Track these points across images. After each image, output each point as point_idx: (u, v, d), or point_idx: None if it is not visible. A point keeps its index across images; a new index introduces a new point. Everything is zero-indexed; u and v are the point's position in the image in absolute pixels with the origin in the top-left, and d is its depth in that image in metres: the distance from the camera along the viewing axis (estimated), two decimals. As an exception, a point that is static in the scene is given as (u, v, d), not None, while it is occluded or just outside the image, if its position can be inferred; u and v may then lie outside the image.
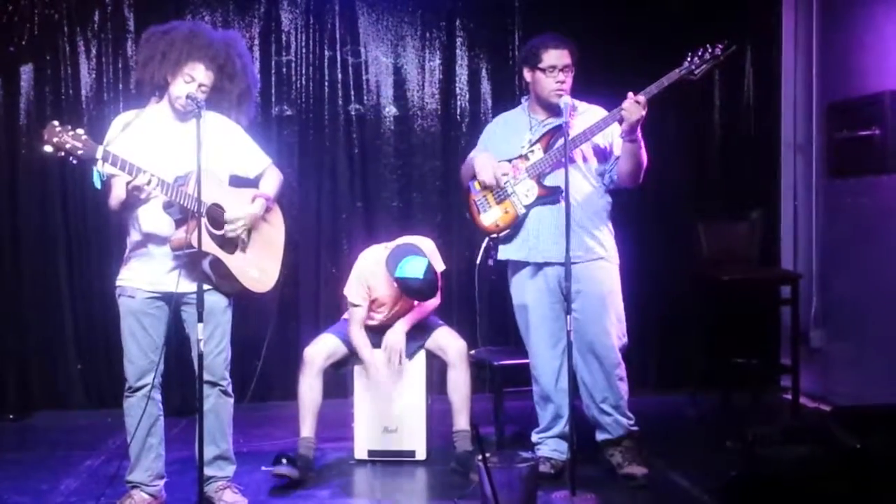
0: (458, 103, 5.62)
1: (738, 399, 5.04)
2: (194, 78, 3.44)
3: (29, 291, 5.30)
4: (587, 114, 3.84)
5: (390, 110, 5.59)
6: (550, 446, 3.96)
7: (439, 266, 4.24)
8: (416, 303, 4.24)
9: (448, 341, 4.20)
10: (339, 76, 5.52)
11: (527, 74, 3.91)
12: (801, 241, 5.54)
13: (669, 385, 5.49)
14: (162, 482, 3.63)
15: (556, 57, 3.80)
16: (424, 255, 4.03)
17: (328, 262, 5.49)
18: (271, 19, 5.45)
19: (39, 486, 3.98)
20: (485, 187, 3.90)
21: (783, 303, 5.29)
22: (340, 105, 5.53)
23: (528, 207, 3.84)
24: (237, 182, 3.70)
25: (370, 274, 4.13)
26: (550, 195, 3.81)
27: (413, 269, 3.95)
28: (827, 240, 5.32)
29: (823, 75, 5.32)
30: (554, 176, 3.80)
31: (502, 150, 3.93)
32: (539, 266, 3.87)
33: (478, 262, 3.91)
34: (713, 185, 5.69)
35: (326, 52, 5.51)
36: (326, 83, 5.51)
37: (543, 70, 3.80)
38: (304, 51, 5.50)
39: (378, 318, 4.22)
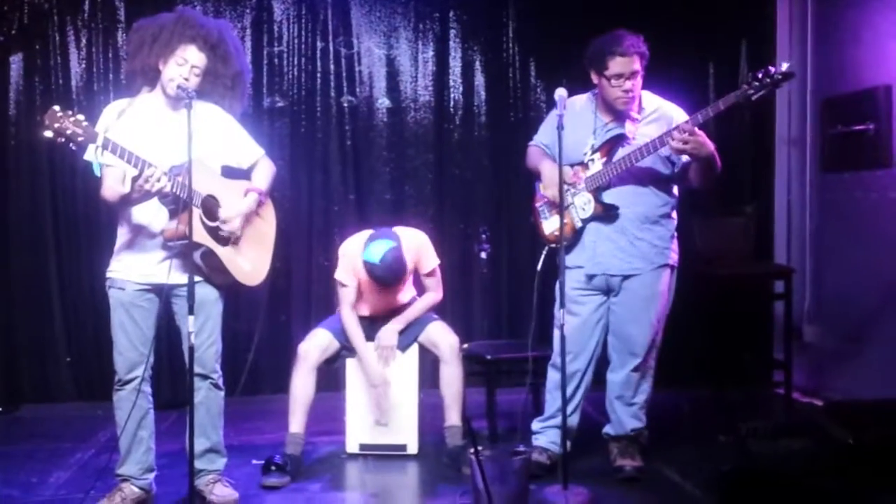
0: (452, 95, 5.59)
1: (730, 394, 5.03)
2: (187, 60, 3.40)
3: (18, 283, 5.27)
4: (656, 114, 3.72)
5: (383, 102, 5.56)
6: (549, 437, 3.94)
7: (431, 261, 4.22)
8: (403, 294, 4.23)
9: (441, 336, 4.18)
10: (332, 67, 5.49)
11: (593, 77, 3.73)
12: (794, 236, 5.54)
13: (662, 379, 5.43)
14: (152, 475, 3.61)
15: (622, 64, 3.61)
16: (396, 239, 3.99)
17: (320, 255, 5.46)
18: (263, 10, 5.42)
19: (29, 478, 3.96)
20: (546, 198, 3.85)
21: (776, 297, 5.28)
22: (333, 97, 5.50)
23: (585, 222, 3.76)
24: (230, 173, 3.67)
25: (355, 256, 4.11)
26: (607, 213, 3.72)
27: (374, 252, 3.93)
28: (821, 235, 5.32)
29: (818, 70, 5.31)
30: (612, 193, 3.72)
31: (566, 145, 3.69)
32: (592, 276, 3.81)
33: (538, 267, 3.75)
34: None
35: (319, 44, 5.47)
36: (319, 74, 5.48)
37: (608, 78, 3.64)
38: (296, 42, 5.46)
39: (368, 306, 4.20)
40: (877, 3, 4.79)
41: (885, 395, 4.27)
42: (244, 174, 3.71)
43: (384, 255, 3.92)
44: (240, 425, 4.57)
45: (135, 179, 3.24)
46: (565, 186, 3.71)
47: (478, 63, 5.60)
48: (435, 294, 4.27)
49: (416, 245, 4.15)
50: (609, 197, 3.74)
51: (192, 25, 3.43)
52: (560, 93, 3.61)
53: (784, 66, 3.51)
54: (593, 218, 3.76)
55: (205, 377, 3.56)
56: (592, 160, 3.75)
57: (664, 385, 5.29)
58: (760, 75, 3.51)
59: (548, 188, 3.82)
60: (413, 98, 5.58)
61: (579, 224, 3.79)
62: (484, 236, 4.65)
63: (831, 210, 5.21)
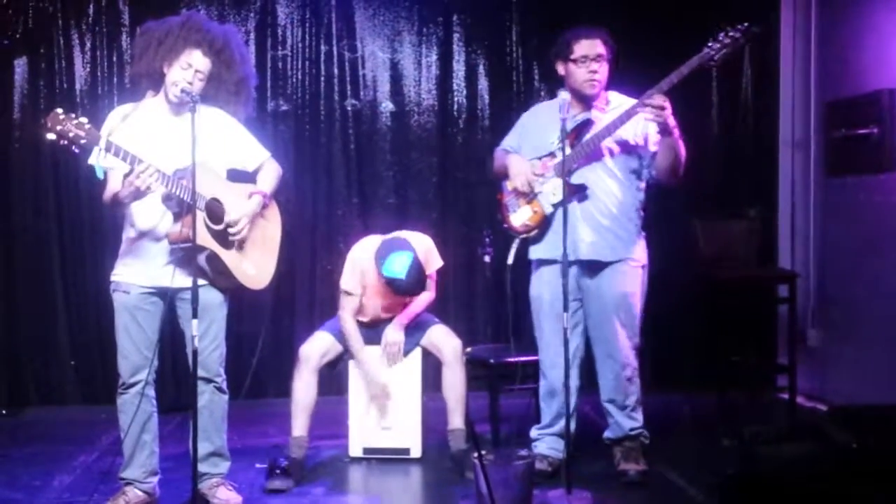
0: (455, 99, 5.60)
1: (734, 398, 5.02)
2: (191, 64, 3.40)
3: (22, 287, 5.28)
4: (621, 108, 3.78)
5: (387, 106, 5.57)
6: (548, 444, 3.94)
7: (435, 264, 4.22)
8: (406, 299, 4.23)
9: (444, 340, 4.18)
10: (336, 71, 5.50)
11: (560, 68, 3.84)
12: (798, 239, 5.53)
13: (666, 383, 5.46)
14: (156, 479, 3.61)
15: (587, 47, 3.74)
16: (411, 249, 3.99)
17: (323, 259, 5.47)
18: (267, 13, 5.43)
19: (32, 481, 3.96)
20: (515, 189, 3.87)
21: (780, 301, 5.28)
22: (337, 100, 5.51)
23: (556, 206, 3.78)
24: (235, 176, 3.68)
25: (363, 263, 4.11)
26: (576, 193, 3.75)
27: (397, 267, 3.92)
28: (825, 239, 5.31)
29: (822, 74, 5.30)
30: (580, 173, 3.76)
31: (534, 144, 3.87)
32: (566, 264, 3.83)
33: (509, 262, 3.84)
34: (711, 184, 5.67)
35: (323, 47, 5.48)
36: (322, 78, 5.49)
37: (575, 61, 3.75)
38: (300, 45, 5.47)
39: (370, 311, 4.20)
40: (881, 7, 4.78)
41: (889, 400, 4.26)
42: (250, 177, 3.72)
43: (409, 270, 3.92)
44: (243, 429, 4.57)
45: (126, 176, 3.23)
46: (534, 177, 3.79)
47: (481, 67, 5.61)
48: (431, 293, 4.28)
49: (425, 249, 4.16)
50: (577, 179, 3.77)
51: (197, 30, 3.44)
52: (563, 96, 3.62)
53: (745, 24, 3.60)
54: (564, 201, 3.76)
55: (208, 381, 3.56)
56: (560, 148, 3.78)
57: (667, 389, 5.33)
58: (721, 35, 3.60)
59: (515, 178, 3.83)
60: (417, 102, 5.58)
61: (549, 209, 3.81)
62: (487, 240, 4.64)
63: (835, 214, 5.21)
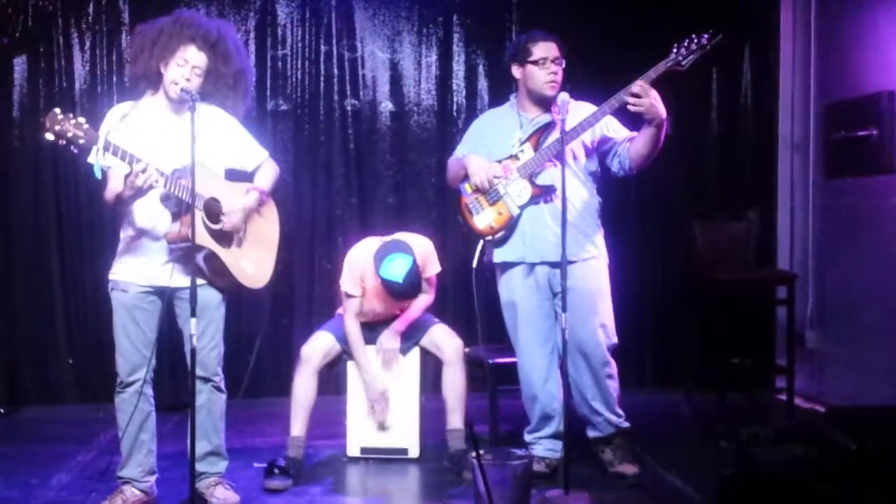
0: (455, 99, 5.60)
1: (732, 399, 5.03)
2: (187, 60, 3.40)
3: (21, 285, 5.28)
4: (578, 111, 3.80)
5: (386, 106, 5.57)
6: (545, 446, 3.94)
7: (434, 268, 4.21)
8: (406, 301, 4.23)
9: (444, 339, 4.18)
10: (335, 71, 5.50)
11: (516, 71, 3.88)
12: (797, 241, 5.54)
13: (664, 384, 5.48)
14: (153, 478, 3.61)
15: (545, 49, 3.79)
16: (411, 252, 3.98)
17: (322, 258, 5.47)
18: (267, 13, 5.43)
19: (30, 480, 3.96)
20: (476, 190, 3.87)
21: (779, 303, 5.28)
22: (336, 100, 5.51)
23: (522, 208, 3.81)
24: (234, 176, 3.67)
25: (362, 265, 4.11)
26: (544, 194, 3.79)
27: (395, 270, 3.91)
28: (823, 240, 5.31)
29: (821, 76, 5.31)
30: (547, 174, 3.79)
31: (490, 150, 3.89)
32: (531, 265, 3.85)
33: (473, 265, 3.86)
34: (710, 185, 5.68)
35: (322, 47, 5.48)
36: (322, 78, 5.49)
37: (535, 62, 3.78)
38: (299, 45, 5.47)
39: (368, 313, 4.20)
40: (880, 9, 4.79)
41: (888, 401, 4.27)
42: (249, 178, 3.72)
43: (407, 275, 3.91)
44: (241, 428, 4.56)
45: (127, 176, 3.23)
46: (496, 179, 3.80)
47: (481, 67, 5.61)
48: (429, 296, 4.28)
49: (425, 253, 4.15)
50: (543, 180, 3.79)
51: (190, 25, 3.44)
52: (562, 97, 3.62)
53: (711, 31, 3.65)
54: (531, 201, 3.78)
55: (206, 380, 3.56)
56: (522, 150, 3.81)
57: (666, 389, 5.34)
58: (687, 42, 3.65)
59: (474, 175, 3.83)
60: (416, 102, 5.58)
61: (516, 211, 3.81)
62: (486, 245, 4.64)
63: (834, 215, 5.21)
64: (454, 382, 4.12)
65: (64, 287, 5.29)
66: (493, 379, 4.36)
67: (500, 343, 4.83)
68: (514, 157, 3.83)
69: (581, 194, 3.84)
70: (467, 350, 4.33)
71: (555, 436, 3.89)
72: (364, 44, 5.53)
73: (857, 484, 3.07)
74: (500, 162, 3.84)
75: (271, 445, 4.33)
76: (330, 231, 5.50)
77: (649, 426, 4.01)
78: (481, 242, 3.89)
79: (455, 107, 5.60)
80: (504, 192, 3.82)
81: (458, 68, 5.59)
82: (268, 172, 3.74)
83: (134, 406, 3.46)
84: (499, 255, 3.91)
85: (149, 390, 3.54)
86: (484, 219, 3.87)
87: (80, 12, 5.26)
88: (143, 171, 3.18)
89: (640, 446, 3.98)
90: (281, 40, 5.46)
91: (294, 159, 5.42)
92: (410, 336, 4.20)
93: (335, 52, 5.49)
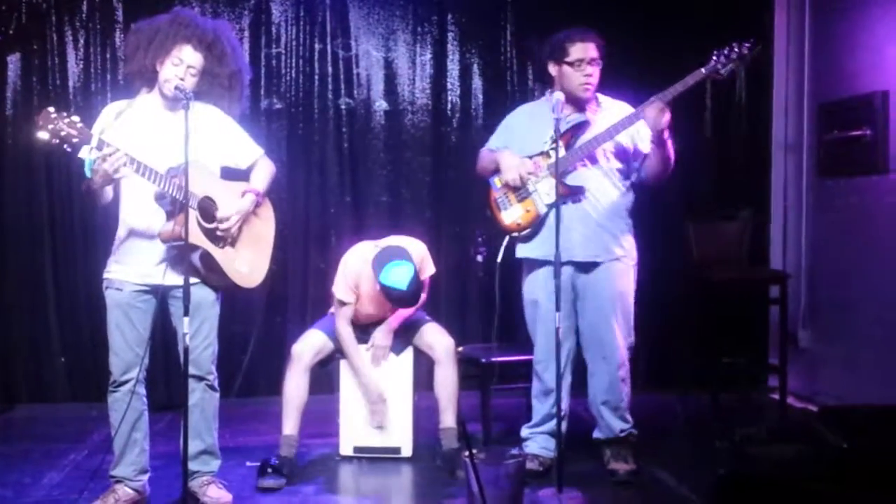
0: (449, 98, 5.60)
1: (726, 398, 5.04)
2: (182, 60, 3.40)
3: (13, 283, 5.26)
4: (611, 110, 3.79)
5: (380, 105, 5.56)
6: (539, 443, 3.94)
7: (429, 270, 4.21)
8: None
9: (436, 338, 4.18)
10: (330, 69, 5.49)
11: (552, 69, 3.84)
12: (790, 241, 5.55)
13: (658, 384, 5.48)
14: (146, 477, 3.60)
15: (582, 50, 3.75)
16: (411, 260, 3.95)
17: (316, 257, 5.46)
18: (261, 11, 5.42)
19: (22, 479, 3.95)
20: (506, 185, 3.86)
21: (772, 302, 5.29)
22: (330, 99, 5.50)
23: (550, 207, 3.77)
24: (229, 173, 3.67)
25: (357, 271, 4.10)
26: (572, 194, 3.76)
27: (398, 277, 3.89)
28: (816, 240, 5.32)
29: (815, 76, 5.32)
30: (576, 175, 3.77)
31: (524, 145, 3.87)
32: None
33: (499, 259, 3.85)
34: (704, 185, 5.68)
35: (317, 45, 5.48)
36: (316, 76, 5.48)
37: (571, 64, 3.75)
38: (294, 43, 5.46)
39: (362, 318, 4.19)
40: (874, 10, 4.80)
41: (880, 401, 4.27)
42: (244, 175, 3.71)
43: (410, 283, 3.89)
44: (234, 427, 4.57)
45: (95, 160, 3.19)
46: (526, 176, 3.77)
47: (475, 66, 5.61)
48: (423, 295, 4.27)
49: (420, 257, 4.13)
50: (573, 180, 3.78)
51: (186, 25, 3.43)
52: (557, 97, 3.64)
53: (752, 41, 3.63)
54: (559, 201, 3.77)
55: (200, 379, 3.56)
56: (553, 148, 3.78)
57: (659, 389, 5.34)
58: (727, 51, 3.62)
59: (506, 172, 3.83)
60: (410, 101, 5.58)
61: (544, 210, 3.80)
62: (480, 240, 4.64)
63: (827, 215, 5.22)
64: (446, 381, 4.12)
65: (57, 285, 5.27)
66: (486, 377, 4.36)
67: (514, 341, 4.83)
68: (546, 154, 3.80)
69: (611, 195, 3.82)
70: (460, 349, 4.34)
71: (551, 433, 3.89)
72: (358, 42, 5.53)
73: (850, 483, 3.08)
74: (531, 158, 3.83)
75: (264, 444, 4.32)
76: (324, 230, 5.50)
77: (643, 426, 4.01)
78: (506, 238, 3.88)
79: (449, 106, 5.60)
80: (533, 190, 3.81)
81: (453, 67, 5.59)
82: (263, 171, 3.74)
83: (127, 405, 3.45)
84: (523, 251, 3.90)
85: (142, 389, 3.53)
86: (511, 215, 3.87)
87: (74, 10, 5.24)
88: (111, 154, 3.13)
89: (640, 452, 3.98)
90: (275, 39, 5.45)
91: (288, 158, 5.41)
92: (403, 335, 4.20)
93: (329, 51, 5.48)
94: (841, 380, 4.99)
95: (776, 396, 5.14)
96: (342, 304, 4.11)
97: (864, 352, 4.82)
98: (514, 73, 5.62)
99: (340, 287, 4.11)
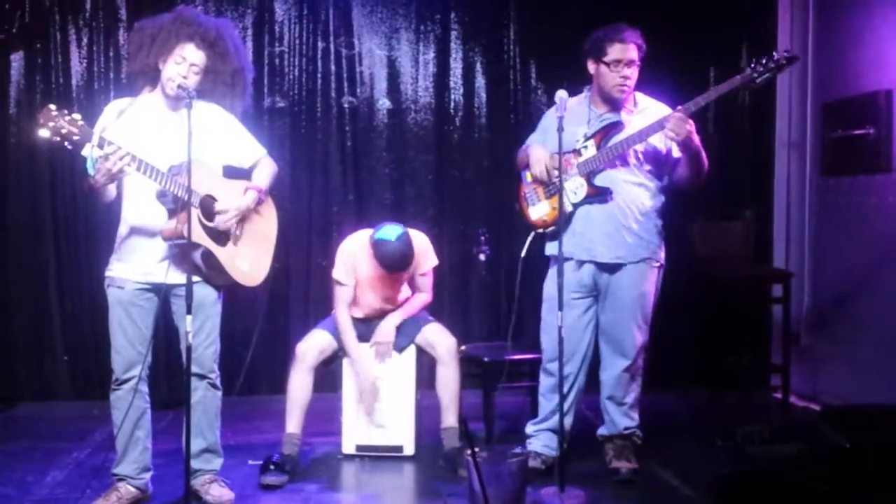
0: (452, 97, 5.59)
1: (728, 397, 5.04)
2: (185, 58, 3.40)
3: (16, 281, 5.27)
4: (648, 111, 3.77)
5: (384, 103, 5.56)
6: (542, 441, 3.94)
7: (431, 262, 4.22)
8: (401, 294, 4.23)
9: (438, 337, 4.18)
10: (333, 68, 5.49)
11: (590, 66, 3.80)
12: (793, 239, 5.54)
13: (660, 382, 5.44)
14: (148, 475, 3.61)
15: (621, 51, 3.70)
16: (404, 228, 4.00)
17: (319, 255, 5.46)
18: (264, 10, 5.42)
19: (25, 477, 3.95)
20: (536, 180, 3.86)
21: (775, 301, 5.28)
22: (333, 97, 5.50)
23: (576, 206, 3.77)
24: (231, 172, 3.67)
25: (355, 252, 4.11)
26: (599, 195, 3.75)
27: (387, 232, 3.93)
28: (820, 239, 5.31)
29: (819, 74, 5.31)
30: (604, 176, 3.75)
31: (556, 141, 3.85)
32: (580, 263, 3.82)
33: (522, 254, 3.83)
34: (707, 184, 5.65)
35: (320, 44, 5.47)
36: (319, 75, 5.48)
37: (608, 64, 3.71)
38: (297, 42, 5.46)
39: (363, 305, 4.20)
40: (878, 8, 4.79)
41: (882, 400, 4.27)
42: (246, 174, 3.71)
43: (400, 235, 3.92)
44: (237, 425, 4.57)
45: (97, 158, 3.18)
46: (553, 170, 3.75)
47: (478, 65, 5.60)
48: (427, 294, 4.28)
49: (420, 245, 4.14)
50: (602, 181, 3.76)
51: (189, 24, 3.44)
52: (560, 94, 3.62)
53: (789, 51, 3.61)
54: (585, 201, 3.76)
55: (202, 377, 3.56)
56: (585, 147, 3.77)
57: (662, 388, 5.32)
58: (765, 59, 3.58)
59: (534, 165, 3.82)
60: (413, 99, 5.57)
61: (570, 208, 3.79)
62: (483, 238, 4.65)
63: (830, 214, 5.21)
64: (448, 380, 4.12)
65: (59, 284, 5.28)
66: (489, 376, 4.36)
67: (517, 339, 4.81)
68: (577, 151, 3.79)
69: (639, 197, 3.79)
70: (463, 348, 4.33)
71: (555, 430, 3.88)
72: (361, 41, 5.52)
73: (852, 482, 3.08)
74: (564, 154, 3.77)
75: (267, 442, 4.32)
76: (326, 228, 5.50)
77: (645, 424, 4.01)
78: (532, 234, 3.88)
79: (452, 104, 5.59)
80: (562, 187, 3.78)
81: (456, 66, 5.58)
82: (265, 170, 3.74)
83: (129, 403, 3.45)
84: (550, 249, 3.89)
85: (144, 387, 3.54)
86: (538, 211, 3.87)
87: (78, 8, 5.24)
88: (114, 153, 3.14)
89: (644, 450, 3.98)
90: (278, 37, 5.45)
91: (291, 156, 5.41)
92: (406, 333, 4.20)
93: (332, 49, 5.48)
94: (844, 379, 4.98)
95: (779, 395, 5.14)
96: (340, 284, 4.12)
97: (866, 351, 4.81)
98: (517, 71, 5.61)
99: (339, 269, 4.14)
